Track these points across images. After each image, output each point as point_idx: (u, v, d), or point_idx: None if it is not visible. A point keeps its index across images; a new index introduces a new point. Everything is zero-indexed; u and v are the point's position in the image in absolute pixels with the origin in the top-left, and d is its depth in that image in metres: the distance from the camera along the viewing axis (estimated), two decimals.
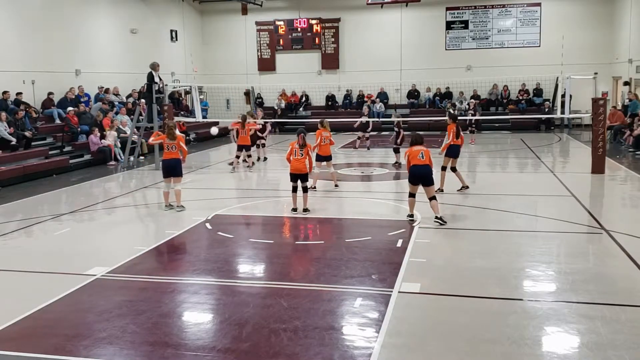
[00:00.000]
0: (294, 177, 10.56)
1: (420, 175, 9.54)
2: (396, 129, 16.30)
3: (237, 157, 16.06)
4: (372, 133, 20.69)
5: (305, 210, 10.51)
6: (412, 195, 9.77)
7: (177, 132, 11.49)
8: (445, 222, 9.52)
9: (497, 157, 18.45)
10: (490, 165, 16.90)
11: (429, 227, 9.36)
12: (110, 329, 5.74)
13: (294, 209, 10.59)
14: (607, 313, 5.88)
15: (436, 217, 9.57)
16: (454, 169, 12.23)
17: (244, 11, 29.48)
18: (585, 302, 6.17)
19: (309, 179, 11.04)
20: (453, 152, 12.17)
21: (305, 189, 10.63)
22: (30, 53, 18.45)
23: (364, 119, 19.81)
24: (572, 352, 5.15)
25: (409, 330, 5.64)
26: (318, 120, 13.60)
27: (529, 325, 5.63)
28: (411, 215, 9.81)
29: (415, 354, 5.15)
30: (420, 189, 9.67)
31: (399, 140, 16.09)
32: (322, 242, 9.00)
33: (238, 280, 7.19)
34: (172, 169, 11.05)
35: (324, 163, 13.01)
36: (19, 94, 17.53)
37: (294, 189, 10.66)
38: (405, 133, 15.73)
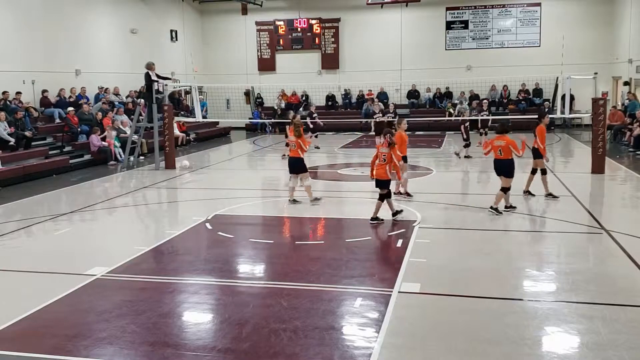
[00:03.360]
0: (377, 184, 9.82)
1: (497, 167, 10.28)
2: (464, 124, 17.35)
3: None
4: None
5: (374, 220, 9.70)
6: (503, 189, 10.06)
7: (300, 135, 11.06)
8: (501, 213, 9.97)
9: None
10: (490, 165, 16.87)
11: (429, 227, 9.36)
12: (110, 329, 5.74)
13: (376, 219, 9.76)
14: (607, 313, 5.88)
15: (491, 207, 10.04)
16: (535, 172, 11.77)
17: (244, 11, 29.49)
18: (585, 302, 6.17)
19: (392, 183, 10.12)
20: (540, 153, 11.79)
21: (381, 197, 9.71)
22: (30, 53, 18.44)
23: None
24: (572, 352, 5.15)
25: (409, 330, 5.64)
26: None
27: (529, 325, 5.63)
28: (499, 209, 10.02)
29: (415, 354, 5.15)
30: None
31: (465, 136, 17.24)
32: (322, 242, 9.00)
33: (238, 280, 7.19)
34: (292, 166, 11.24)
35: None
36: (18, 93, 17.54)
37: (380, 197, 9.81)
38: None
